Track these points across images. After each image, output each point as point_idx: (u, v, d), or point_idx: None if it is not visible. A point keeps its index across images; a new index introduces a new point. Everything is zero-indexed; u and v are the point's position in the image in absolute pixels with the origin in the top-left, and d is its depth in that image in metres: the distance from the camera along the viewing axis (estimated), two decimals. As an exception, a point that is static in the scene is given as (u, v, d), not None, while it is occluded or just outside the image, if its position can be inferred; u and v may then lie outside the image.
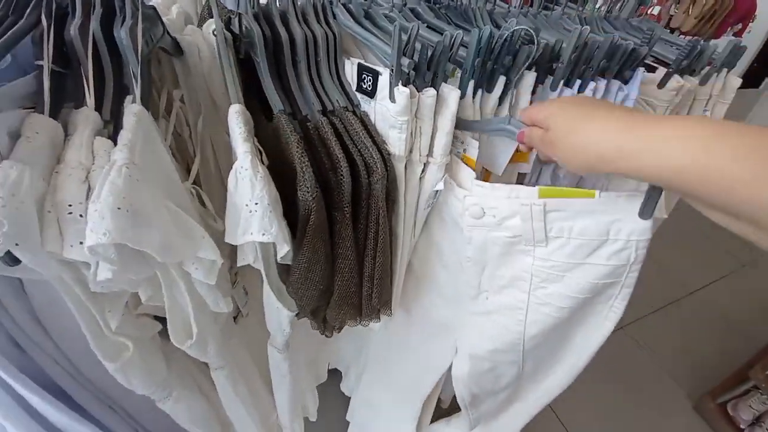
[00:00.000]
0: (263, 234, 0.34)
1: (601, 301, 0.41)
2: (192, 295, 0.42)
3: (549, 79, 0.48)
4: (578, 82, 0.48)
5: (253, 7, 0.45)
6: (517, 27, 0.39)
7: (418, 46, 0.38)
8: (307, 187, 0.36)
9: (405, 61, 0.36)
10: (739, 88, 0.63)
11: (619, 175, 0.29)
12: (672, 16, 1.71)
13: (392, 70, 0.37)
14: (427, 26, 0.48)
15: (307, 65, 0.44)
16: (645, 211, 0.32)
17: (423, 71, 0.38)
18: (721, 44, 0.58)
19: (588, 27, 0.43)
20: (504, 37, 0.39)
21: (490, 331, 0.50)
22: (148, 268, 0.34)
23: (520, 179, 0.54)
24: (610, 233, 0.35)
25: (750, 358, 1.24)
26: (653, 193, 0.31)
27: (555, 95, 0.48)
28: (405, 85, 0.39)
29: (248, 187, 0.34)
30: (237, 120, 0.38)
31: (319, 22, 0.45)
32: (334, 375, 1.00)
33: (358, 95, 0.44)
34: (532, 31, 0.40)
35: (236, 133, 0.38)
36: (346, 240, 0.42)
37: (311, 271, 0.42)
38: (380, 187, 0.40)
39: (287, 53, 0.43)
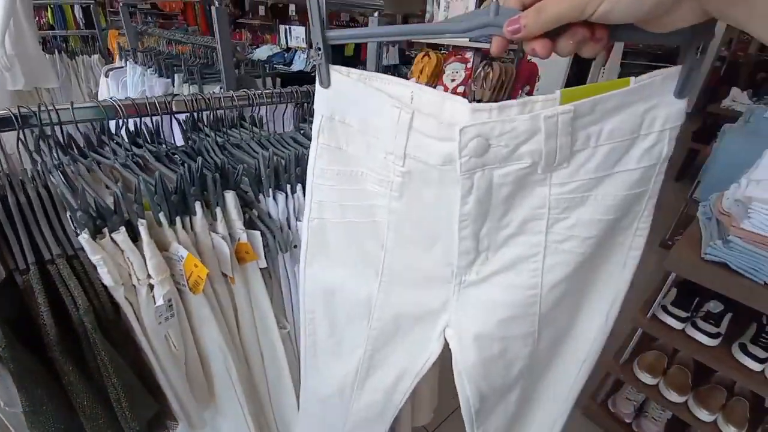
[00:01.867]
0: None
1: (624, 226, 0.36)
2: None
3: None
4: (288, 186, 0.61)
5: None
6: (191, 166, 0.50)
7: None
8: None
9: (77, 213, 0.44)
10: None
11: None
12: (474, 91, 2.13)
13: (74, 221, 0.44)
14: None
15: (24, 224, 0.50)
16: (684, 88, 0.29)
17: (109, 215, 0.46)
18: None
19: (271, 151, 0.57)
20: (179, 176, 0.50)
21: (496, 297, 0.40)
22: None
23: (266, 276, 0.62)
24: (642, 127, 0.31)
25: (614, 353, 1.39)
26: (693, 63, 0.28)
27: (271, 201, 0.60)
28: (101, 228, 0.47)
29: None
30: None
31: (36, 186, 0.52)
32: None
33: (83, 240, 0.51)
34: (209, 166, 0.52)
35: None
36: (71, 375, 0.45)
37: (39, 414, 0.44)
38: (90, 318, 0.45)
39: (2, 218, 0.49)
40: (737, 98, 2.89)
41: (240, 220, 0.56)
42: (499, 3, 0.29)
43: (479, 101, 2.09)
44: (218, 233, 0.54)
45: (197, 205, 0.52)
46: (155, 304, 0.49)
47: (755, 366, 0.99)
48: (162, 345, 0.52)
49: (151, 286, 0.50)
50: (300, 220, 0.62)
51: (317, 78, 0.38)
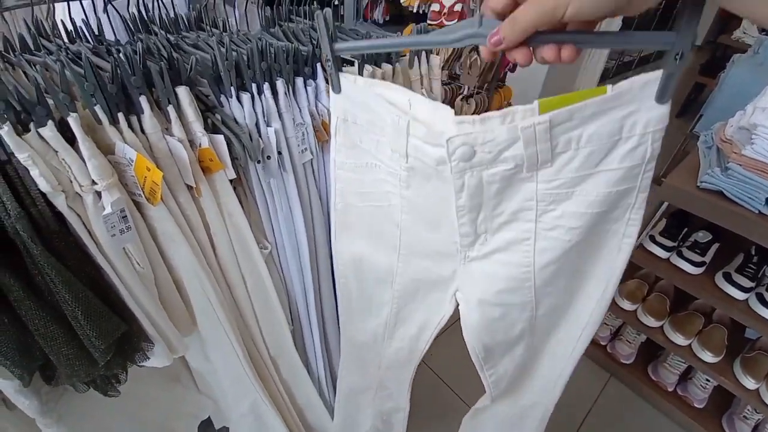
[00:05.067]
0: None
1: (616, 217, 0.37)
2: None
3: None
4: (254, 85, 0.52)
5: None
6: (127, 51, 0.41)
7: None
8: None
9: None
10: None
11: None
12: (460, 75, 1.97)
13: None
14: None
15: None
16: (664, 93, 0.29)
17: (32, 107, 0.38)
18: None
19: (227, 38, 0.48)
20: (114, 62, 0.41)
21: (495, 271, 0.45)
22: None
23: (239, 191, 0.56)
24: (623, 131, 0.32)
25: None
26: (673, 69, 0.28)
27: (234, 103, 0.52)
28: (27, 124, 0.39)
29: None
30: None
31: None
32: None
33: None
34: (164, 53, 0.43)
35: None
36: (13, 291, 0.40)
37: None
38: (23, 227, 0.39)
39: None
40: (748, 30, 2.72)
41: (199, 122, 0.49)
42: (482, 15, 0.30)
43: (465, 88, 1.96)
44: (174, 136, 0.47)
45: (143, 101, 0.44)
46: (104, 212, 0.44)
47: (739, 295, 1.00)
48: (122, 262, 0.47)
49: (99, 194, 0.44)
50: (270, 126, 0.55)
51: (330, 85, 0.42)
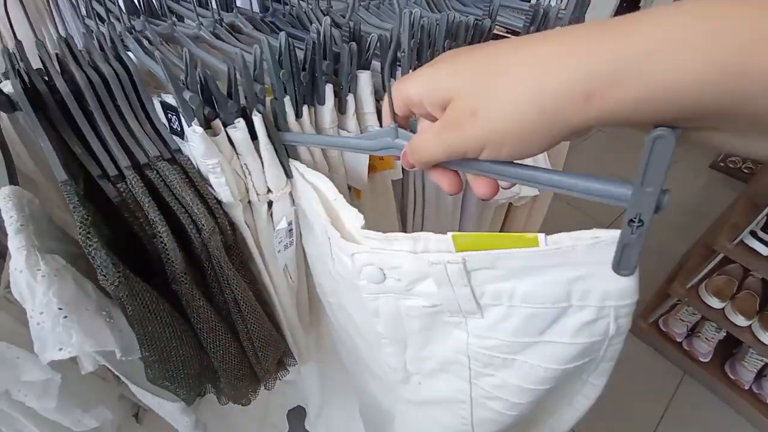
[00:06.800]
0: (60, 349, 0.27)
1: (571, 380, 0.30)
2: (41, 424, 0.34)
3: (399, 72, 0.44)
4: (426, 70, 0.44)
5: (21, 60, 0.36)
6: (325, 29, 0.34)
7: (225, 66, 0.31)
8: (104, 275, 0.29)
9: (187, 94, 0.29)
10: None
11: (602, 124, 0.16)
12: None
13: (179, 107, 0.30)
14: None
15: (103, 113, 0.36)
16: (624, 262, 0.20)
17: (223, 101, 0.32)
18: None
19: (418, 9, 0.40)
20: (311, 44, 0.33)
21: (429, 429, 0.37)
22: None
23: (397, 189, 0.49)
24: (572, 297, 0.23)
25: (668, 276, 1.36)
26: (629, 240, 0.18)
27: (404, 89, 0.44)
28: (210, 121, 0.32)
29: (28, 293, 0.27)
30: (6, 207, 0.30)
31: (108, 60, 0.37)
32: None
33: (175, 138, 0.37)
34: (338, 30, 0.35)
35: (8, 225, 0.30)
36: (201, 312, 0.36)
37: (167, 360, 0.35)
38: (216, 243, 0.34)
39: (72, 105, 0.35)
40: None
41: (374, 114, 0.42)
42: (398, 128, 0.26)
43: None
44: (349, 132, 0.40)
45: (328, 90, 0.37)
46: (275, 227, 0.38)
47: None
48: (280, 277, 0.42)
49: (270, 204, 0.38)
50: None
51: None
